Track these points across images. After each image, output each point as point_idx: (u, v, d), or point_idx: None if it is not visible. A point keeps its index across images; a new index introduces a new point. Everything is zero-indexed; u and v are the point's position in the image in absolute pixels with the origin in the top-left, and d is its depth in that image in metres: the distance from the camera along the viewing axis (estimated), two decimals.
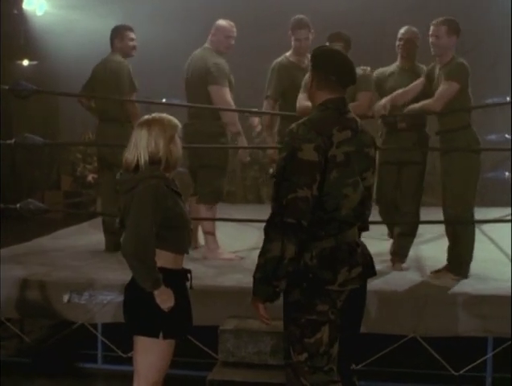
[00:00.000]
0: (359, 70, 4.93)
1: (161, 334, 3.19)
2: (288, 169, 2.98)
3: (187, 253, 3.36)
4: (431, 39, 5.30)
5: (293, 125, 3.07)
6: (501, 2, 9.17)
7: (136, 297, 3.24)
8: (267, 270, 2.95)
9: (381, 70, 5.95)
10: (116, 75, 6.25)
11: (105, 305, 5.01)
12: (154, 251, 3.14)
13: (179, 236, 3.29)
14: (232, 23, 6.16)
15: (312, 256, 3.02)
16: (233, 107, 6.08)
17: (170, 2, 10.68)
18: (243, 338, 4.58)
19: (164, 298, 3.17)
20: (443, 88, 5.22)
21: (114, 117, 6.18)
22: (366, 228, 3.28)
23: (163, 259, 3.21)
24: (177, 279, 3.28)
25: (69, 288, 5.12)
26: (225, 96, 5.95)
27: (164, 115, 3.32)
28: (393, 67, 5.90)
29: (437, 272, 5.39)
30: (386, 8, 10.50)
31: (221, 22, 6.17)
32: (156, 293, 3.15)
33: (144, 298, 3.18)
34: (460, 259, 5.30)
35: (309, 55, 3.22)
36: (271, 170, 6.54)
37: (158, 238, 3.16)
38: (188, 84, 6.14)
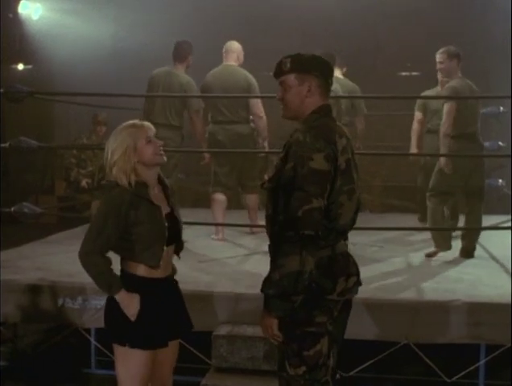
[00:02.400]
0: None
1: (128, 344, 3.16)
2: (299, 179, 2.87)
3: (154, 266, 3.19)
4: (437, 66, 6.43)
5: (297, 134, 2.97)
6: (501, 7, 9.20)
7: (110, 304, 3.22)
8: (285, 285, 2.83)
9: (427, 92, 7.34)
10: (187, 90, 6.82)
11: (98, 310, 4.99)
12: (104, 257, 3.15)
13: (147, 248, 3.18)
14: None
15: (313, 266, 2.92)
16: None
17: (164, 6, 10.69)
18: (236, 344, 4.59)
19: (126, 304, 3.15)
20: (445, 112, 6.14)
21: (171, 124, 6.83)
22: (347, 237, 3.19)
23: (133, 267, 3.20)
24: (151, 287, 3.21)
25: (63, 293, 5.13)
26: (261, 105, 7.02)
27: (121, 128, 3.27)
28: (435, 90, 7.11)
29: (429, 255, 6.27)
30: (382, 14, 10.56)
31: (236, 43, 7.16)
32: (117, 298, 3.14)
33: (115, 306, 3.17)
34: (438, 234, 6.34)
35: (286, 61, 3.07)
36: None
37: (120, 247, 3.19)
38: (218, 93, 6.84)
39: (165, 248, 3.21)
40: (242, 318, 4.80)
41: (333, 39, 10.23)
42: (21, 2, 11.69)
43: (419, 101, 7.60)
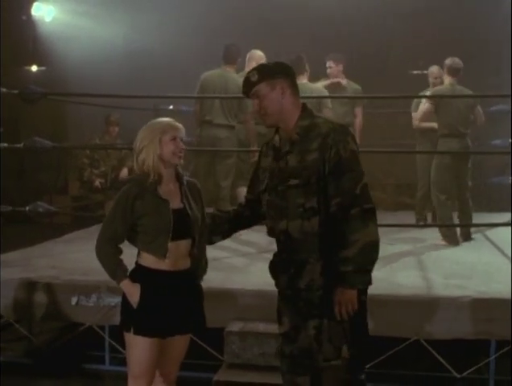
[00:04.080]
0: None
1: (132, 329, 3.34)
2: (346, 162, 3.13)
3: (161, 257, 3.35)
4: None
5: (325, 125, 3.23)
6: (505, 8, 9.23)
7: (124, 294, 3.42)
8: (362, 259, 3.09)
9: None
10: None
11: (112, 307, 5.08)
12: (113, 247, 3.37)
13: (151, 237, 3.35)
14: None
15: None
16: None
17: (175, 9, 10.76)
18: (248, 340, 4.65)
19: (128, 292, 3.37)
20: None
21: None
22: None
23: (143, 258, 3.39)
24: (156, 278, 3.36)
25: (77, 291, 5.20)
26: None
27: (156, 120, 3.48)
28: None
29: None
30: (390, 14, 10.59)
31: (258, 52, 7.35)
32: (121, 286, 3.37)
33: (125, 295, 3.41)
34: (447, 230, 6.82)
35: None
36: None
37: (133, 238, 3.39)
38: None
39: (169, 241, 3.33)
40: (254, 315, 4.85)
41: (344, 39, 10.28)
42: (34, 4, 11.77)
43: (414, 102, 7.90)
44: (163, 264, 3.35)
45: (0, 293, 5.31)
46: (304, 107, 3.31)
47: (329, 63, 7.74)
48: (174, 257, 3.36)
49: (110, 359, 5.35)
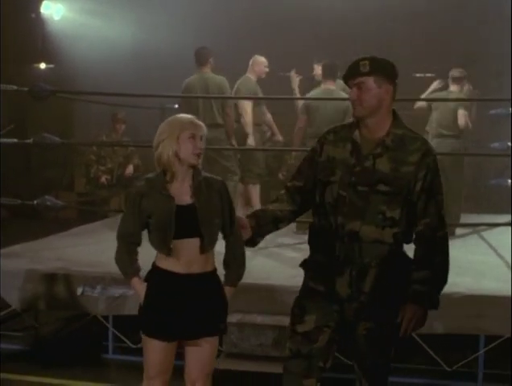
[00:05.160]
0: None
1: (140, 330, 3.35)
2: (437, 185, 3.19)
3: (165, 252, 3.25)
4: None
5: (426, 142, 3.26)
6: (507, 9, 9.34)
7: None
8: (440, 282, 3.19)
9: None
10: (223, 88, 7.33)
11: (116, 298, 5.24)
12: (127, 244, 3.35)
13: (157, 235, 3.28)
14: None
15: None
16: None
17: (182, 9, 10.90)
18: (246, 331, 4.82)
19: (135, 291, 3.39)
20: None
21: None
22: None
23: (158, 259, 3.32)
24: (165, 279, 3.28)
25: (82, 281, 5.35)
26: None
27: (178, 115, 3.36)
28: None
29: None
30: (391, 16, 10.74)
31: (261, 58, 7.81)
32: (131, 284, 3.39)
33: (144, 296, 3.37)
34: None
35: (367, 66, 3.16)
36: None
37: (150, 238, 3.33)
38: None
39: (173, 238, 3.22)
40: (252, 308, 5.02)
41: (346, 41, 10.42)
42: (43, 3, 11.90)
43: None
44: (176, 266, 3.25)
45: (8, 283, 5.47)
46: (396, 114, 3.26)
47: None
48: (185, 258, 3.24)
49: (113, 349, 5.51)
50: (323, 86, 7.33)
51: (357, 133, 3.24)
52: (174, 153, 3.23)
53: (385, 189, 3.13)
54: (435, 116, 7.70)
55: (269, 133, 9.70)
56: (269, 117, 8.21)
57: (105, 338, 5.52)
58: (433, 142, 7.28)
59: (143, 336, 3.33)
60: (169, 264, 3.26)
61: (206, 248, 3.26)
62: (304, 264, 3.42)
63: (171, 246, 3.23)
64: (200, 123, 3.31)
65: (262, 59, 7.84)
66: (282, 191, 3.46)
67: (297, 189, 3.40)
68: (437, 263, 3.16)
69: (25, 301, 5.52)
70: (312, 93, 7.46)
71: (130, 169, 8.91)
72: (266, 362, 4.73)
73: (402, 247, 3.27)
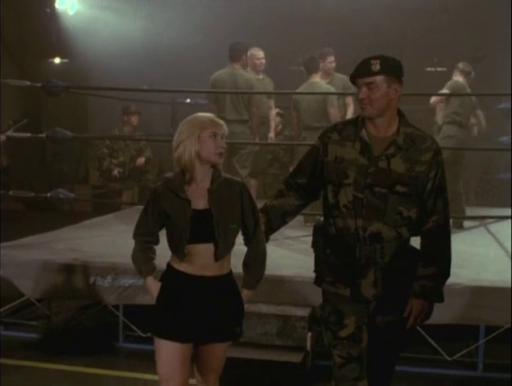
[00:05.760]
0: None
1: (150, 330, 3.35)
2: (444, 183, 3.24)
3: (180, 258, 3.19)
4: None
5: (434, 140, 3.28)
6: None
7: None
8: (446, 276, 3.27)
9: None
10: (253, 85, 7.53)
11: (126, 288, 5.37)
12: (143, 243, 3.29)
13: (172, 237, 3.23)
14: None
15: None
16: None
17: (195, 5, 11.01)
18: (252, 320, 4.93)
19: (149, 289, 3.32)
20: None
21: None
22: None
23: (172, 259, 3.27)
24: (183, 282, 3.22)
25: (94, 272, 5.49)
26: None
27: (197, 114, 3.28)
28: None
29: None
30: (409, 10, 10.78)
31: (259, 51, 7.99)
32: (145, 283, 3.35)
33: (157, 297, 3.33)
34: None
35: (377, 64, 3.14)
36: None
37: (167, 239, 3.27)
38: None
39: (187, 243, 3.16)
40: (257, 297, 5.13)
41: (359, 34, 10.50)
42: None
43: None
44: (191, 268, 3.20)
45: (22, 274, 5.63)
46: (401, 112, 3.27)
47: (332, 58, 8.03)
48: (199, 261, 3.18)
49: (124, 337, 5.65)
50: (309, 80, 7.55)
51: (364, 132, 3.22)
52: (196, 153, 3.14)
53: (402, 190, 3.16)
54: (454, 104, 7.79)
55: (280, 127, 9.85)
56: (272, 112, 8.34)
57: (115, 327, 5.66)
58: (445, 128, 7.63)
59: (155, 338, 3.25)
60: (183, 266, 3.21)
61: (220, 254, 3.19)
62: (320, 272, 3.41)
63: (185, 250, 3.17)
64: (221, 121, 3.25)
65: (254, 52, 7.97)
66: (284, 187, 3.48)
67: (300, 185, 3.42)
68: (444, 259, 3.24)
69: (38, 291, 5.66)
70: (300, 88, 7.59)
71: (141, 160, 9.04)
72: (270, 350, 4.85)
73: (410, 240, 3.34)
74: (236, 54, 7.52)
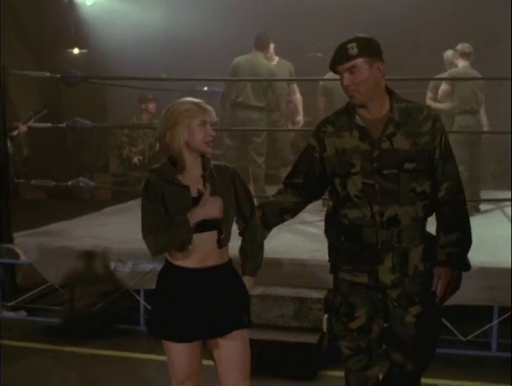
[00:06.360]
0: None
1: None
2: (449, 147, 3.16)
3: (185, 247, 2.98)
4: None
5: (431, 108, 3.24)
6: None
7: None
8: (468, 242, 3.17)
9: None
10: (274, 75, 7.70)
11: (146, 273, 5.51)
12: (150, 237, 2.98)
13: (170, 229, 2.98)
14: None
15: None
16: None
17: None
18: (268, 303, 5.06)
19: (205, 208, 3.01)
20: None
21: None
22: None
23: (171, 254, 3.08)
24: (183, 278, 3.05)
25: (114, 258, 5.64)
26: None
27: (184, 100, 3.08)
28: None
29: None
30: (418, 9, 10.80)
31: None
32: None
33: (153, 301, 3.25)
34: None
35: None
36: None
37: None
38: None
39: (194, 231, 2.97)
40: (274, 280, 5.27)
41: (375, 21, 10.51)
42: None
43: (431, 83, 8.36)
44: (191, 261, 3.02)
45: (46, 260, 5.80)
46: (389, 89, 3.18)
47: None
48: (200, 253, 3.02)
49: (145, 321, 5.74)
50: None
51: (358, 118, 3.14)
52: (184, 141, 3.00)
53: (411, 166, 3.07)
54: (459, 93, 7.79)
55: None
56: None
57: (136, 311, 5.79)
58: (457, 120, 7.68)
59: (163, 341, 3.10)
60: (183, 259, 3.02)
61: (224, 241, 3.06)
62: (335, 261, 3.32)
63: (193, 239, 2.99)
64: (209, 107, 3.07)
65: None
66: (282, 186, 3.42)
67: (297, 185, 3.36)
68: (464, 224, 3.16)
69: (61, 277, 5.82)
70: (329, 75, 7.61)
71: (157, 146, 9.15)
72: (286, 332, 4.96)
73: (426, 224, 3.25)
74: (261, 43, 7.66)
